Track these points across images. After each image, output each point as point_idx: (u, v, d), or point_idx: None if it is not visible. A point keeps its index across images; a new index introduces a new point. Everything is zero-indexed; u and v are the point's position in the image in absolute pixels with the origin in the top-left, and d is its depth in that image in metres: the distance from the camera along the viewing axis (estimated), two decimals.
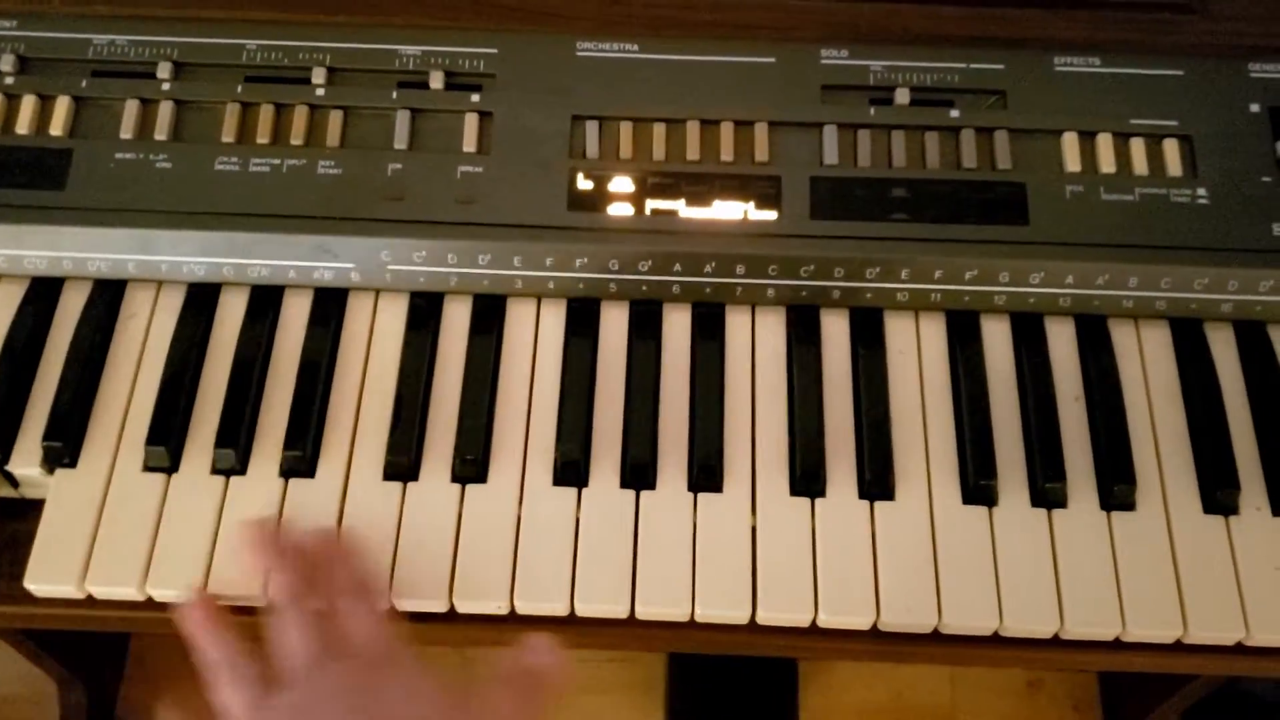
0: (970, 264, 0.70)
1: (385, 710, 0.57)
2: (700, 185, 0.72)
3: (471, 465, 0.68)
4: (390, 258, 0.71)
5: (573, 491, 0.68)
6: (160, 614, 0.67)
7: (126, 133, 0.72)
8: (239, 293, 0.73)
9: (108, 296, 0.73)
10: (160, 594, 0.66)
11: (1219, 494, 0.68)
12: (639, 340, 0.73)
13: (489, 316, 0.73)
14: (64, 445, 0.68)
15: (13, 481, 0.70)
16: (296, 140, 0.73)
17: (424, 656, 0.60)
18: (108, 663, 1.24)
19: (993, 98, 0.74)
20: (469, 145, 0.73)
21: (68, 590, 0.66)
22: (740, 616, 0.66)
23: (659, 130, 0.73)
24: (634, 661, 1.28)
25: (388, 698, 0.57)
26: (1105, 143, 0.73)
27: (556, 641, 0.61)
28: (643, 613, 0.66)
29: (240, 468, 0.68)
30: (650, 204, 0.71)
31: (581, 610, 0.66)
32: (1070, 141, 0.73)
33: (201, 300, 0.73)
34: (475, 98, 0.74)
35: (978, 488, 0.68)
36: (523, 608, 0.66)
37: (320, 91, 0.74)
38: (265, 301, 0.73)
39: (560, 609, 0.66)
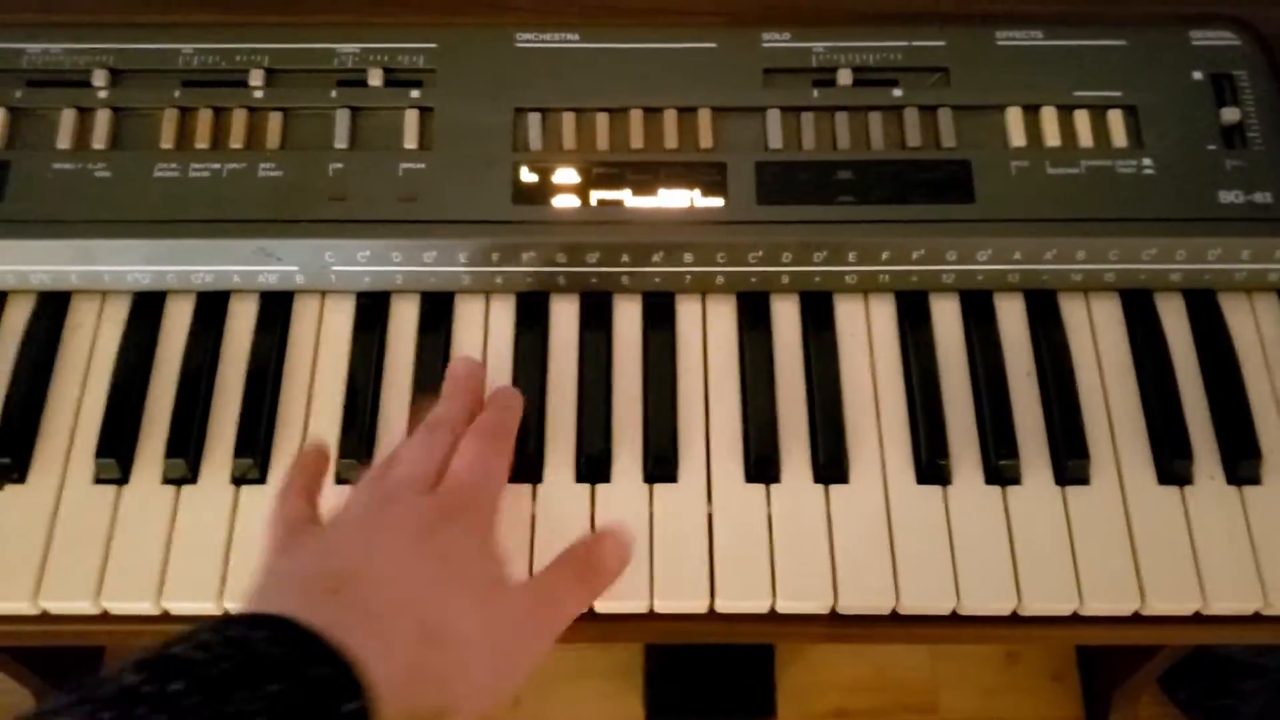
0: (917, 244, 0.70)
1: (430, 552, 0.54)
2: (645, 174, 0.71)
3: None
4: (334, 259, 0.71)
5: (527, 488, 0.68)
6: (116, 627, 0.67)
7: (64, 142, 0.72)
8: (184, 300, 0.73)
9: (52, 308, 0.72)
10: (115, 607, 0.66)
11: (1173, 464, 0.68)
12: (590, 333, 0.72)
13: (437, 314, 0.72)
14: (12, 461, 0.68)
15: None
16: (236, 144, 0.72)
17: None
18: (83, 675, 1.24)
19: (935, 75, 0.74)
20: (410, 142, 0.72)
21: (21, 607, 0.65)
22: (699, 606, 0.66)
23: (602, 120, 0.73)
24: (612, 647, 1.29)
25: (431, 548, 0.54)
26: (1049, 116, 0.73)
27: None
28: (601, 606, 0.66)
29: (191, 477, 0.68)
30: (595, 195, 0.71)
31: None
32: (1014, 116, 0.73)
33: (147, 309, 0.72)
34: (415, 94, 0.73)
35: (931, 467, 0.68)
36: None
37: (259, 93, 0.73)
38: (211, 308, 0.72)
39: None
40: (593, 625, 0.67)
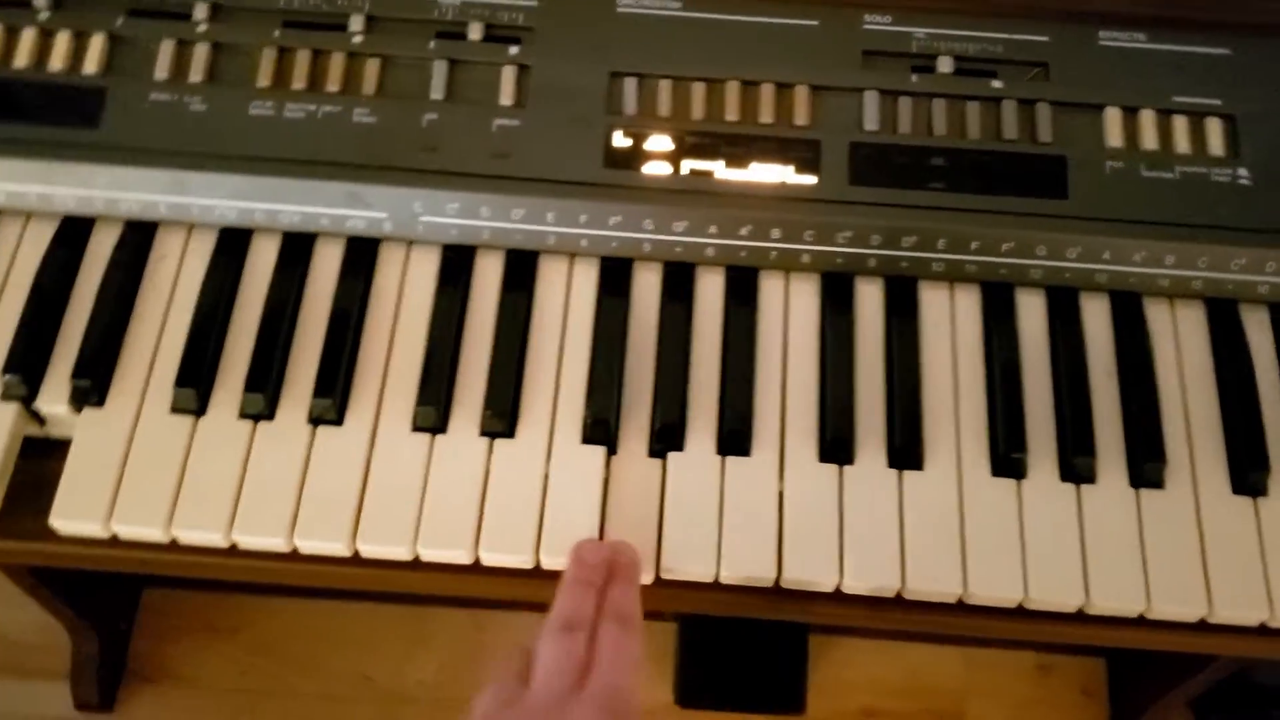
0: (1007, 235, 0.70)
1: None
2: (738, 147, 0.71)
3: (500, 420, 0.68)
4: (423, 208, 0.71)
5: (601, 450, 0.68)
6: (182, 557, 0.67)
7: (161, 73, 0.72)
8: (270, 238, 0.73)
9: (139, 237, 0.73)
10: (184, 536, 0.66)
11: (1249, 475, 0.68)
12: (671, 302, 0.72)
13: (521, 272, 0.72)
14: (92, 384, 0.68)
15: (40, 419, 0.69)
16: (332, 87, 0.72)
17: None
18: (120, 614, 1.24)
19: (1036, 69, 0.73)
20: (506, 98, 0.72)
21: (93, 529, 0.66)
22: (765, 579, 0.66)
23: (698, 89, 0.73)
24: (644, 633, 1.28)
25: None
26: (1148, 119, 0.72)
27: None
28: (668, 572, 0.66)
29: (268, 413, 0.68)
30: (687, 164, 0.71)
31: None
32: (1112, 116, 0.72)
33: (233, 244, 0.72)
34: (514, 50, 0.73)
35: (1007, 460, 0.68)
36: (548, 562, 0.65)
37: (357, 39, 0.73)
38: (297, 248, 0.73)
39: None
40: (653, 592, 0.67)
